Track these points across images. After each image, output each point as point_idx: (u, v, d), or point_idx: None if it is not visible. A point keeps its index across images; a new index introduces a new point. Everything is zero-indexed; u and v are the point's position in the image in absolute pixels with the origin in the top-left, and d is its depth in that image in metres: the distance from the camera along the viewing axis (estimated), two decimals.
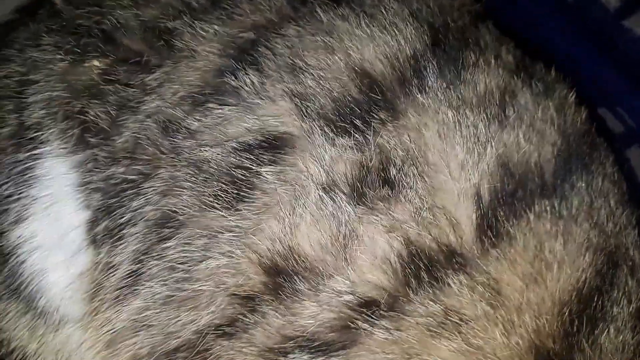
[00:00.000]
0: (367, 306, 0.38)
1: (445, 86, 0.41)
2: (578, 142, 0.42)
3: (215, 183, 0.41)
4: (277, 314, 0.39)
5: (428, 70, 0.42)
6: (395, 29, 0.43)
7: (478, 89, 0.42)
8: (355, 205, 0.39)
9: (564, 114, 0.43)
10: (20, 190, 0.44)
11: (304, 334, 0.38)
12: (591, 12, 0.62)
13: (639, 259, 0.41)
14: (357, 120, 0.40)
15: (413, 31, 0.43)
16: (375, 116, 0.40)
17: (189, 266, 0.40)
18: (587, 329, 0.38)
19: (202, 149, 0.41)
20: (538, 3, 0.63)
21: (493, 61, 0.44)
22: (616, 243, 0.41)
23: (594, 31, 0.62)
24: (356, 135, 0.40)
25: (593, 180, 0.41)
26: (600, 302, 0.39)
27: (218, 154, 0.41)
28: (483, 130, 0.40)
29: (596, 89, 0.62)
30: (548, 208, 0.39)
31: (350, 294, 0.38)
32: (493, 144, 0.40)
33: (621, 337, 0.39)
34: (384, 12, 0.44)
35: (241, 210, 0.40)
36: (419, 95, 0.41)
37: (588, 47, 0.62)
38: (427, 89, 0.41)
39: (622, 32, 0.61)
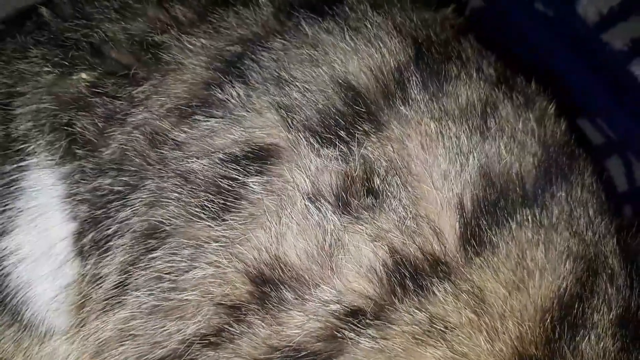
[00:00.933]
0: (354, 315, 0.38)
1: (428, 98, 0.42)
2: (558, 153, 0.43)
3: (202, 194, 0.41)
4: (263, 323, 0.39)
5: (411, 82, 0.42)
6: (379, 42, 0.44)
7: (460, 101, 0.43)
8: (340, 214, 0.39)
9: (544, 125, 0.44)
10: (5, 202, 0.44)
11: (291, 344, 0.39)
12: (572, 25, 0.63)
13: (617, 267, 0.42)
14: (342, 132, 0.41)
15: (397, 44, 0.44)
16: (359, 128, 0.41)
17: (176, 276, 0.41)
18: (569, 336, 0.39)
19: (189, 160, 0.42)
20: (521, 16, 0.65)
21: (475, 74, 0.44)
22: (595, 251, 0.41)
23: (575, 44, 0.63)
24: (341, 146, 0.40)
25: (572, 190, 0.42)
26: (581, 309, 0.40)
27: (205, 165, 0.41)
28: (465, 141, 0.41)
29: (577, 100, 0.63)
30: (529, 217, 0.40)
31: (337, 303, 0.39)
32: (475, 154, 0.41)
33: (602, 343, 0.40)
34: (368, 25, 0.45)
35: (228, 220, 0.40)
36: (402, 107, 0.42)
37: (570, 59, 0.63)
38: (410, 101, 0.42)
39: (601, 45, 0.62)
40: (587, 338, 0.39)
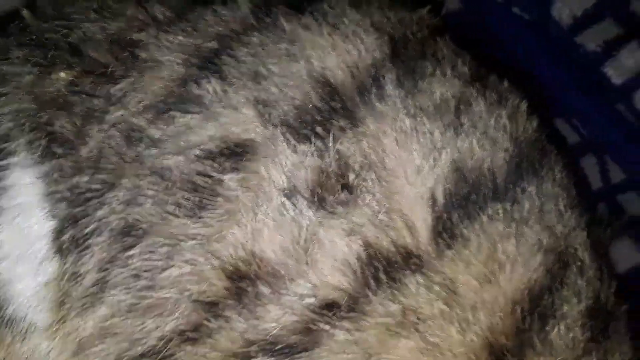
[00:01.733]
0: (328, 308, 0.39)
1: (403, 95, 0.43)
2: (529, 149, 0.44)
3: (177, 191, 0.41)
4: (240, 318, 0.40)
5: (387, 79, 0.43)
6: (357, 39, 0.44)
7: (434, 97, 0.43)
8: (315, 210, 0.40)
9: (516, 122, 0.45)
10: None
11: (267, 338, 0.39)
12: (547, 28, 0.65)
13: (588, 260, 0.43)
14: (318, 127, 0.41)
15: (374, 41, 0.45)
16: (335, 124, 0.42)
17: (153, 274, 0.41)
18: (538, 326, 0.40)
19: (164, 157, 0.42)
20: (498, 19, 0.66)
21: (449, 72, 0.45)
22: (566, 244, 0.42)
23: (550, 46, 0.65)
24: (317, 142, 0.41)
25: (543, 185, 0.43)
26: (551, 300, 0.41)
27: (180, 162, 0.42)
28: (439, 137, 0.42)
29: (553, 101, 0.65)
30: (500, 211, 0.41)
31: (312, 296, 0.39)
32: (448, 150, 0.42)
33: (571, 334, 0.41)
34: (346, 22, 0.45)
35: (204, 217, 0.41)
36: (377, 104, 0.42)
37: (546, 60, 0.65)
38: (385, 97, 0.43)
39: (575, 47, 0.64)
40: (556, 328, 0.40)
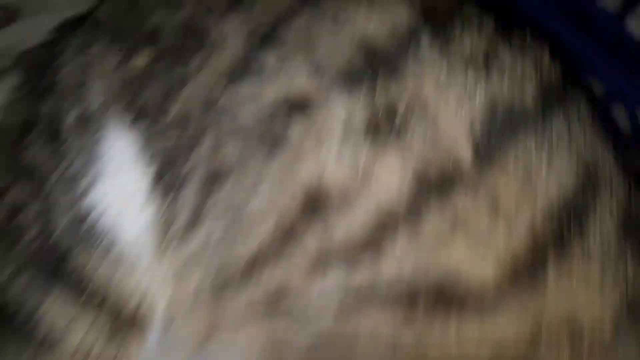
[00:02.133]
0: (390, 217, 0.46)
1: (437, 52, 0.50)
2: (554, 88, 0.50)
3: (253, 140, 0.49)
4: (315, 233, 0.47)
5: (422, 40, 0.50)
6: (391, 12, 0.51)
7: (465, 53, 0.50)
8: (370, 144, 0.47)
9: (540, 69, 0.51)
10: (91, 160, 0.52)
11: (340, 247, 0.46)
12: None
13: (616, 177, 0.49)
14: (366, 81, 0.49)
15: (407, 12, 0.52)
16: (380, 77, 0.49)
17: (240, 207, 0.49)
18: (576, 232, 0.46)
19: (238, 117, 0.50)
20: None
21: (476, 31, 0.52)
22: (594, 161, 0.48)
23: (570, 9, 0.69)
24: (366, 92, 0.48)
25: (569, 112, 0.49)
26: (586, 211, 0.46)
27: (253, 119, 0.49)
28: (472, 82, 0.49)
29: (579, 58, 0.69)
30: (532, 134, 0.47)
31: (372, 215, 0.46)
32: (480, 93, 0.48)
33: (607, 241, 0.46)
34: None
35: (277, 158, 0.48)
36: (415, 60, 0.49)
37: (566, 22, 0.69)
38: (421, 55, 0.49)
39: (595, 9, 0.68)
40: (592, 235, 0.46)
